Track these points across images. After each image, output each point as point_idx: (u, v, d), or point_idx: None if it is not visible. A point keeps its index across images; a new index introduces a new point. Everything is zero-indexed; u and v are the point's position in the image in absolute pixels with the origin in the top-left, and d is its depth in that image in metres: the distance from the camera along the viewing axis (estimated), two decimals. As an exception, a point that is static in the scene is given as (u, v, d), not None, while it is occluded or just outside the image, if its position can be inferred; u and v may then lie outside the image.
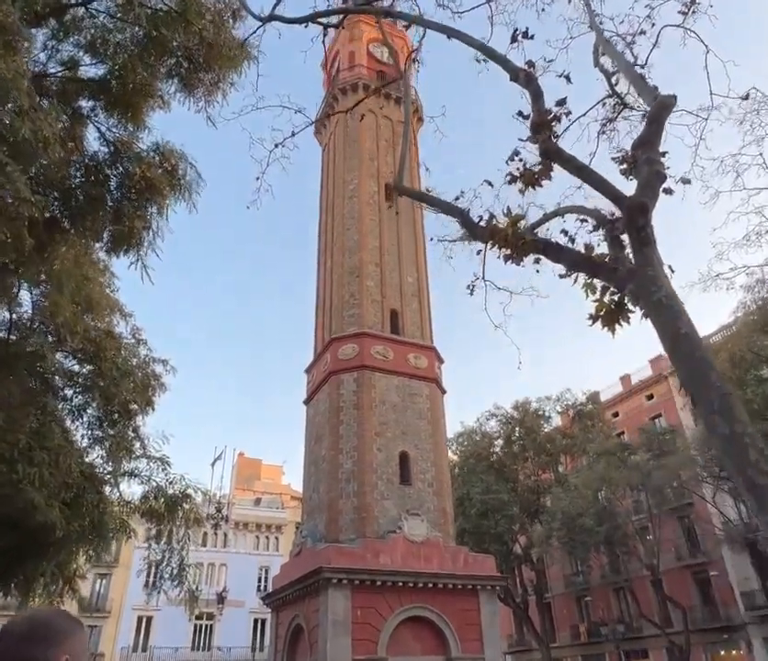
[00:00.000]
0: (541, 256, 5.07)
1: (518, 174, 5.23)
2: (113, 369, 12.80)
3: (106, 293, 14.71)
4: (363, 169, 27.49)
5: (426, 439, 22.04)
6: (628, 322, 5.28)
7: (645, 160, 4.62)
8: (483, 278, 11.95)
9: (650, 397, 45.14)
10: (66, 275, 10.51)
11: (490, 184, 5.29)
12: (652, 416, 42.30)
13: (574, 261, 4.69)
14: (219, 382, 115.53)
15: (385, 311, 24.30)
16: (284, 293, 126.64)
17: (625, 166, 5.34)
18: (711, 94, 7.19)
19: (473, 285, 11.66)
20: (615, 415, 45.36)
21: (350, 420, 21.25)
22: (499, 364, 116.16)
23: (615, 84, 8.89)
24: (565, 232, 5.07)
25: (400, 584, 18.12)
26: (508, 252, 4.94)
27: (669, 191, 4.99)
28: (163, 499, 16.12)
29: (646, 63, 7.66)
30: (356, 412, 21.28)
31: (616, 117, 9.79)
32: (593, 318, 5.40)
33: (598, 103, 9.51)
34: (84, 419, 14.17)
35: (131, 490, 16.18)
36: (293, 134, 10.42)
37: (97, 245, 11.11)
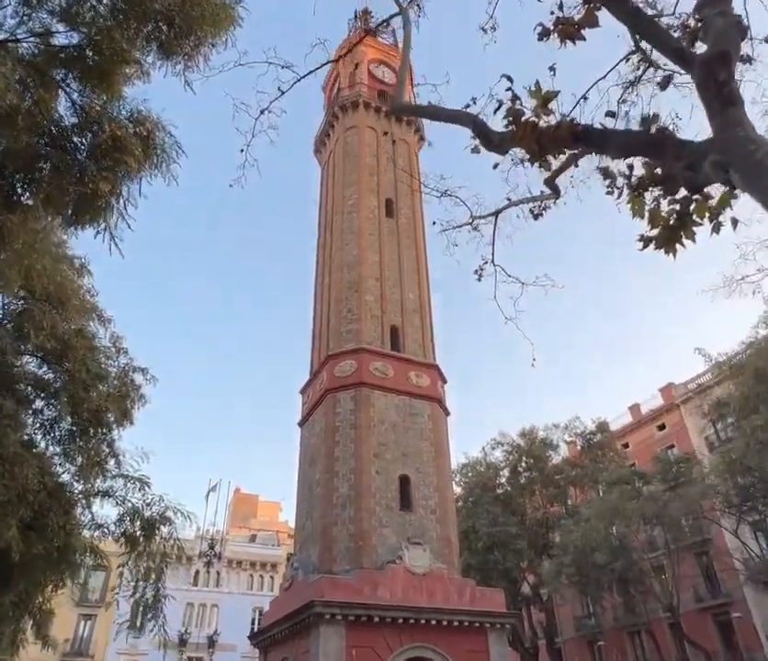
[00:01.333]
0: (579, 151, 3.85)
1: (552, 27, 4.03)
2: (82, 371, 11.52)
3: (79, 292, 13.58)
4: (363, 183, 26.69)
5: (429, 462, 20.51)
6: (693, 240, 4.04)
7: (717, 13, 3.46)
8: (493, 261, 10.75)
9: (662, 427, 43.41)
10: (26, 255, 9.37)
11: (509, 79, 4.10)
12: (664, 447, 40.52)
13: (627, 144, 3.49)
14: (219, 413, 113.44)
15: (385, 327, 23.09)
16: (297, 328, 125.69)
17: (686, 39, 4.17)
18: None
19: (482, 269, 10.47)
20: (626, 446, 43.53)
21: (346, 440, 19.79)
22: (502, 391, 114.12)
23: (639, 41, 7.85)
24: (612, 114, 3.87)
25: (401, 620, 16.38)
26: (535, 147, 3.72)
27: (748, 59, 3.82)
28: (138, 522, 14.65)
29: None
30: (354, 432, 19.83)
31: (641, 76, 8.73)
32: (645, 240, 4.17)
33: (620, 62, 8.48)
34: (52, 428, 12.88)
35: (104, 512, 14.72)
36: (281, 93, 9.37)
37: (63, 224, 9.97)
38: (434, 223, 10.60)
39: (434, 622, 16.80)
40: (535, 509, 36.53)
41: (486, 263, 10.61)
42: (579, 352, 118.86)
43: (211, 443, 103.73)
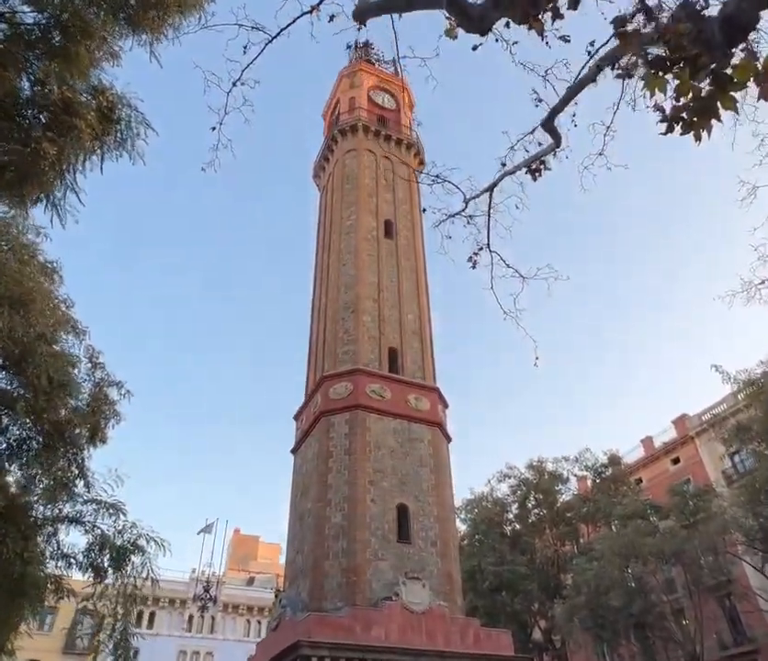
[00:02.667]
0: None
1: None
2: (42, 378, 10.47)
3: (49, 297, 12.67)
4: (361, 205, 26.09)
5: (429, 490, 19.12)
6: (734, 109, 3.03)
7: None
8: (488, 246, 9.76)
9: (676, 461, 41.54)
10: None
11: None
12: (680, 482, 38.63)
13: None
14: (218, 451, 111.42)
15: (383, 349, 22.03)
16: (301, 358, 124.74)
17: None
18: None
19: (476, 255, 9.45)
20: (639, 481, 41.59)
21: (340, 466, 18.50)
22: (507, 420, 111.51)
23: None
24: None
25: (397, 664, 14.80)
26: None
27: None
28: (108, 552, 13.36)
29: None
30: (348, 458, 18.56)
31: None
32: (671, 119, 3.17)
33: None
34: (10, 442, 11.77)
35: (72, 540, 13.44)
36: (254, 58, 8.56)
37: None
38: (423, 210, 9.68)
39: (434, 667, 15.19)
40: (545, 546, 34.52)
41: (481, 248, 9.64)
42: (587, 383, 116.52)
43: (209, 483, 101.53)
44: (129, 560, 13.38)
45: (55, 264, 12.50)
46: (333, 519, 17.53)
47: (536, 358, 9.49)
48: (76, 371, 13.78)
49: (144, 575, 13.70)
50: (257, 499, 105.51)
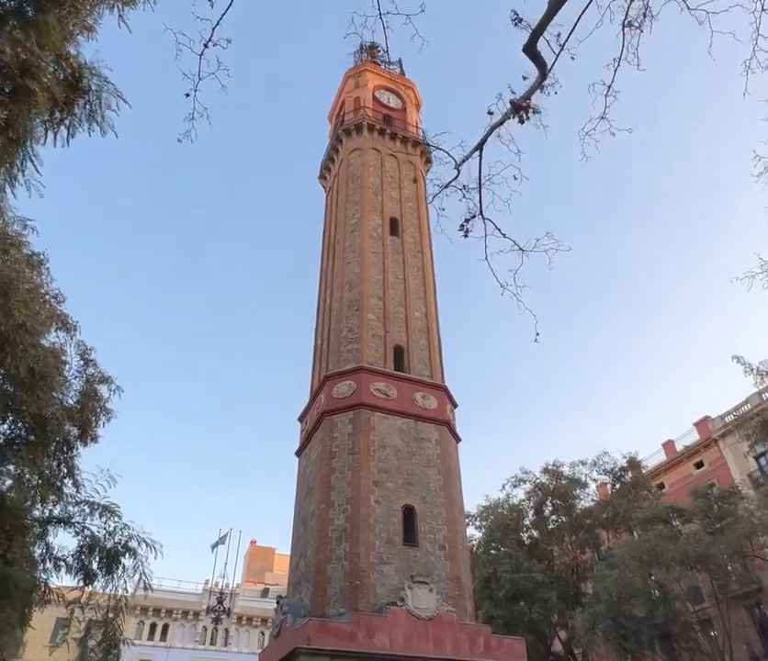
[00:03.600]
0: None
1: None
2: (21, 368, 10.05)
3: (37, 290, 12.31)
4: (366, 203, 25.63)
5: (436, 492, 18.35)
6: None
7: None
8: (481, 213, 9.12)
9: (700, 464, 40.02)
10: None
11: None
12: (703, 485, 37.11)
13: None
14: (232, 461, 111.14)
15: (388, 347, 21.40)
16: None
17: None
18: None
19: (467, 223, 8.84)
20: (661, 486, 40.15)
21: (344, 467, 17.85)
22: (518, 425, 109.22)
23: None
24: None
25: (402, 673, 14.01)
26: None
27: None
28: (97, 554, 12.86)
29: None
30: (351, 458, 17.90)
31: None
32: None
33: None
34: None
35: (61, 542, 12.97)
36: (223, 14, 8.06)
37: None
38: (414, 180, 9.11)
39: (442, 676, 14.37)
40: (563, 553, 33.28)
41: (474, 216, 9.04)
42: (603, 385, 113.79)
43: (224, 494, 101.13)
44: (120, 563, 12.87)
45: (42, 256, 12.18)
46: (336, 521, 16.86)
47: (537, 334, 8.84)
48: (67, 367, 13.43)
49: (136, 578, 13.19)
50: (272, 510, 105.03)
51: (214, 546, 49.76)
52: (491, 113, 6.50)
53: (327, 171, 31.00)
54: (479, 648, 15.31)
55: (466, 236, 8.57)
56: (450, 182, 8.85)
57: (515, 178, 8.88)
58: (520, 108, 5.67)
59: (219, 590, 47.98)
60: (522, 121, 5.91)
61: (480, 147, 7.70)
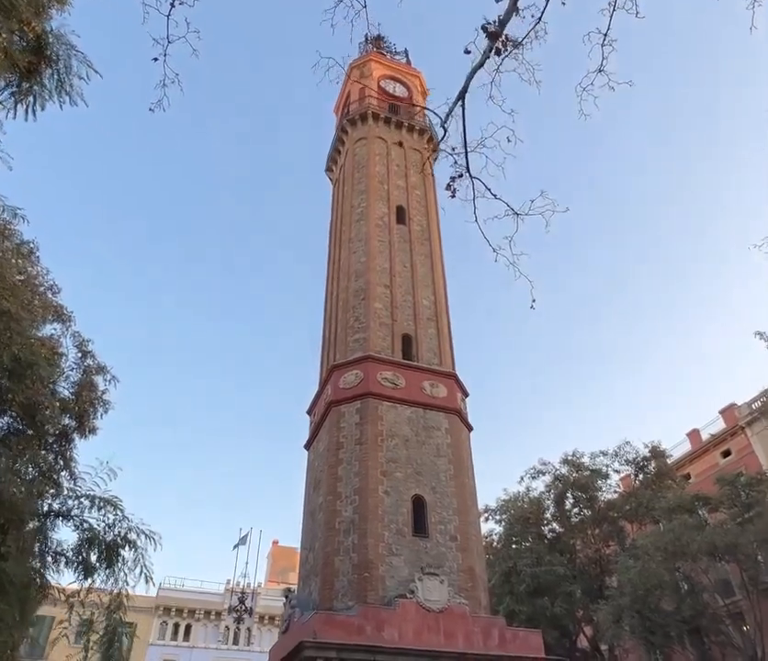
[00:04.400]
0: None
1: None
2: (5, 355, 9.83)
3: (32, 282, 12.16)
4: (372, 191, 25.21)
5: (447, 481, 17.81)
6: None
7: None
8: (468, 170, 8.64)
9: (727, 453, 38.65)
10: None
11: None
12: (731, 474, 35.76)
13: None
14: (251, 461, 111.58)
15: (396, 336, 20.93)
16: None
17: None
18: None
19: (453, 182, 8.37)
20: (687, 477, 38.87)
21: (351, 457, 17.43)
22: (538, 421, 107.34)
23: None
24: None
25: (412, 667, 13.51)
26: None
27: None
28: (97, 547, 12.64)
29: None
30: (359, 448, 17.47)
31: None
32: None
33: None
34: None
35: (61, 536, 12.80)
36: None
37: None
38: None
39: (454, 670, 13.84)
40: (585, 545, 32.34)
41: (461, 175, 8.58)
42: (622, 376, 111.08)
43: (245, 494, 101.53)
44: (119, 556, 12.65)
45: (32, 245, 12.04)
46: (344, 512, 16.45)
47: (533, 300, 8.33)
48: (64, 359, 13.27)
49: (138, 571, 12.96)
50: (294, 511, 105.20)
51: (235, 547, 49.83)
52: (468, 52, 5.99)
53: (333, 163, 30.69)
54: (493, 641, 14.74)
55: (453, 196, 8.07)
56: (439, 142, 8.36)
57: (509, 140, 8.33)
58: (494, 35, 5.15)
59: (240, 590, 48.02)
60: (498, 54, 5.40)
61: (461, 96, 7.21)
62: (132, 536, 12.63)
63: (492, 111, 7.99)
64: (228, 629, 48.59)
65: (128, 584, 12.49)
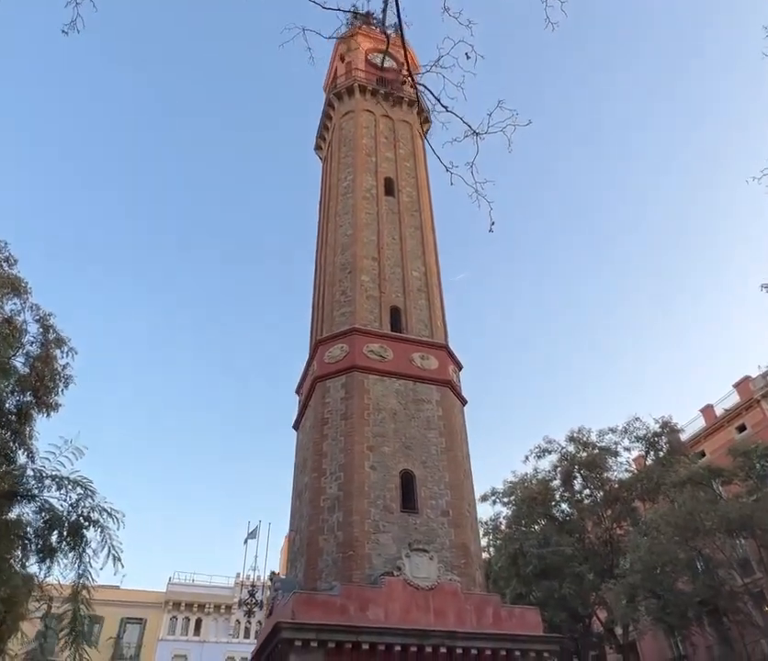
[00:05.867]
0: None
1: None
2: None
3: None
4: (358, 164, 24.36)
5: (438, 455, 16.95)
6: None
7: None
8: (410, 74, 7.95)
9: (742, 428, 37.25)
10: None
11: None
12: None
13: None
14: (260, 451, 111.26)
15: (384, 308, 20.09)
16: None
17: None
18: None
19: (403, 85, 7.52)
20: (702, 455, 37.54)
21: (336, 433, 16.64)
22: (543, 401, 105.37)
23: None
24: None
25: (399, 647, 12.68)
26: None
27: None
28: (58, 528, 11.95)
29: None
30: (344, 423, 16.67)
31: None
32: None
33: None
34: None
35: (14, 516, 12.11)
36: None
37: None
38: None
39: (443, 650, 12.98)
40: (595, 524, 31.27)
41: (404, 82, 7.86)
42: (629, 352, 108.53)
43: (256, 487, 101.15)
44: (83, 537, 11.97)
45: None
46: (329, 490, 15.66)
47: (492, 223, 7.53)
48: (27, 334, 12.63)
49: (105, 552, 12.26)
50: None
51: (246, 540, 49.38)
52: None
53: (322, 140, 29.88)
54: (487, 620, 13.86)
55: (400, 102, 7.22)
56: (385, 51, 7.61)
57: (468, 56, 7.49)
58: None
59: (250, 583, 47.56)
60: None
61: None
62: (96, 516, 11.96)
63: (449, 25, 7.14)
64: (239, 623, 48.23)
65: (92, 566, 11.79)
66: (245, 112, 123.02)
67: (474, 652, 13.15)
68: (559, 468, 31.90)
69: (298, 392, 21.42)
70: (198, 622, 49.00)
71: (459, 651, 13.05)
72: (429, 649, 12.86)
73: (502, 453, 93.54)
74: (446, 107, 7.26)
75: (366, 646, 12.44)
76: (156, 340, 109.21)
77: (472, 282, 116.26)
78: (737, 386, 38.08)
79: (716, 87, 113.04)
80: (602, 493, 32.02)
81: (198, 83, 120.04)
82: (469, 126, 7.66)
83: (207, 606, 49.23)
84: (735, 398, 38.09)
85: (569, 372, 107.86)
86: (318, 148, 30.46)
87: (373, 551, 14.54)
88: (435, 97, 7.24)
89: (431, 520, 15.62)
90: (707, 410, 40.20)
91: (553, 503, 32.80)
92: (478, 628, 13.54)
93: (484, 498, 33.96)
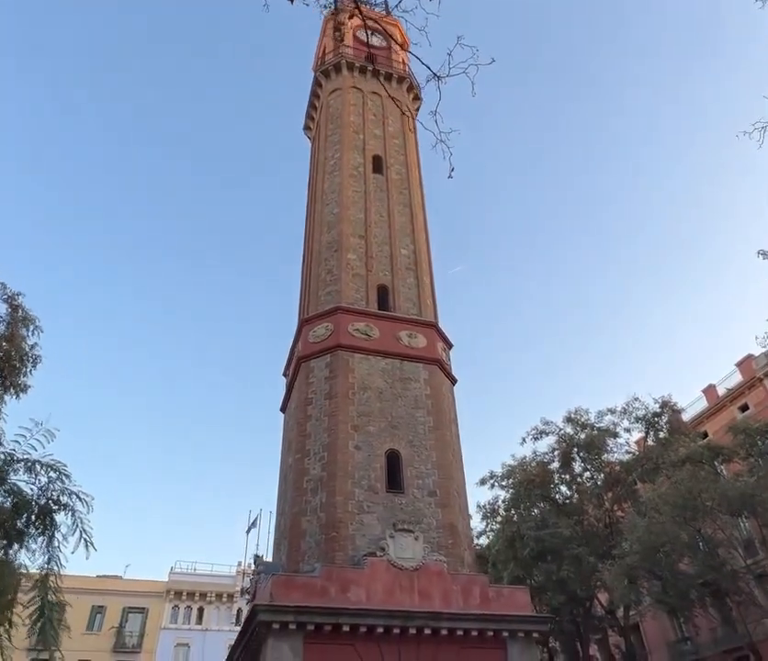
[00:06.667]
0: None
1: None
2: None
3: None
4: (345, 142, 23.78)
5: (425, 434, 16.51)
6: None
7: None
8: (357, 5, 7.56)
9: (745, 407, 36.68)
10: None
11: None
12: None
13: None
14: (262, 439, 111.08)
15: (371, 287, 19.60)
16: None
17: None
18: None
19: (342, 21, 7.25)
20: (704, 435, 36.96)
21: (320, 413, 16.23)
22: (541, 381, 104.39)
23: None
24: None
25: (381, 629, 12.30)
26: None
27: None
28: (26, 512, 11.60)
29: None
30: (328, 403, 16.25)
31: None
32: None
33: None
34: None
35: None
36: None
37: None
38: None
39: (428, 631, 12.59)
40: (595, 506, 30.84)
41: (351, 16, 7.55)
42: (630, 331, 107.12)
43: (259, 475, 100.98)
44: (53, 521, 11.62)
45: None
46: (312, 471, 15.27)
47: (452, 169, 7.11)
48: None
49: (77, 537, 11.90)
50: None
51: (248, 530, 49.30)
52: None
53: (311, 120, 29.26)
54: (474, 600, 13.46)
55: (342, 38, 6.75)
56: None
57: (429, -6, 6.99)
58: None
59: (252, 572, 47.38)
60: None
61: None
62: (65, 499, 11.59)
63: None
64: (241, 611, 48.16)
65: (61, 551, 11.43)
66: (235, 98, 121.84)
67: (460, 633, 12.77)
68: (557, 451, 31.37)
69: (285, 374, 21.01)
70: (201, 611, 49.04)
71: (444, 632, 12.66)
72: (413, 630, 12.47)
73: (505, 439, 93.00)
74: (400, 45, 6.78)
75: (346, 628, 12.07)
76: (159, 327, 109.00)
77: (472, 276, 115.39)
78: (739, 365, 37.51)
79: (722, 88, 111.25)
80: (602, 475, 31.55)
81: (194, 76, 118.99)
82: (429, 68, 7.18)
83: (209, 595, 49.24)
84: (737, 378, 37.52)
85: (568, 357, 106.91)
86: (307, 128, 29.87)
87: (357, 532, 14.16)
88: (374, 21, 6.74)
89: (417, 500, 15.22)
90: (710, 390, 39.68)
91: (552, 485, 32.34)
92: (464, 608, 13.15)
93: (483, 482, 33.57)
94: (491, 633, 13.01)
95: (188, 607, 48.62)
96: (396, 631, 12.37)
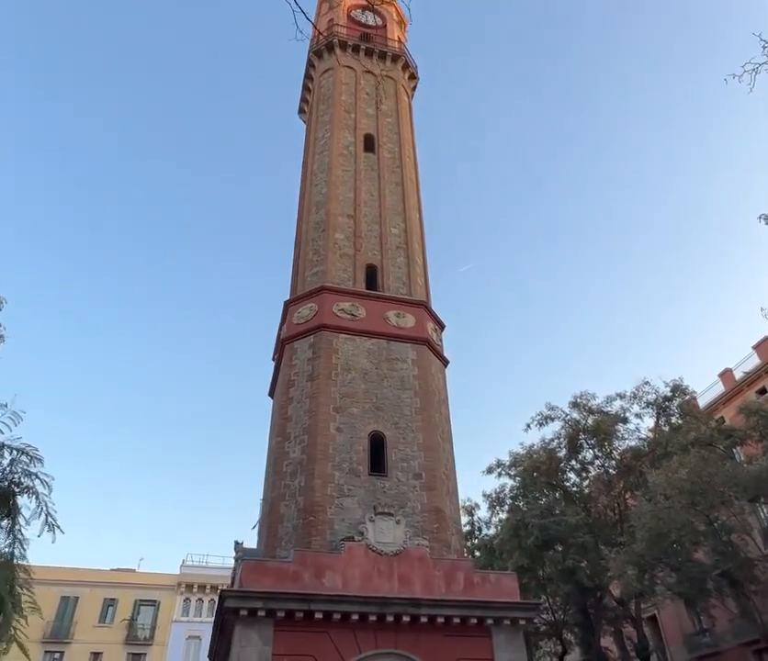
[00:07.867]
0: None
1: None
2: None
3: None
4: (336, 121, 23.20)
5: (412, 416, 15.88)
6: None
7: None
8: None
9: (762, 391, 35.21)
10: None
11: None
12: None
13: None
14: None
15: (359, 266, 19.01)
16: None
17: None
18: None
19: None
20: (722, 421, 35.61)
21: (302, 395, 15.70)
22: (547, 369, 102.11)
23: None
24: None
25: (356, 616, 11.73)
26: None
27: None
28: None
29: None
30: (309, 384, 15.72)
31: None
32: None
33: None
34: None
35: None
36: None
37: None
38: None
39: (407, 619, 11.99)
40: (600, 491, 29.89)
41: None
42: (642, 316, 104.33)
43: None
44: (15, 503, 11.30)
45: None
46: (292, 454, 14.76)
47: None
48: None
49: (42, 519, 11.59)
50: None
51: (254, 527, 49.26)
52: None
53: (305, 103, 28.73)
54: (457, 586, 12.81)
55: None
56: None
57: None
58: None
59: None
60: None
61: None
62: (27, 481, 11.27)
63: None
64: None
65: (23, 535, 11.11)
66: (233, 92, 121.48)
67: (441, 620, 12.14)
68: (563, 437, 30.42)
69: (273, 358, 20.56)
70: (212, 604, 49.18)
71: (424, 619, 12.05)
72: (390, 618, 11.89)
73: (516, 431, 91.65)
74: None
75: (319, 615, 11.53)
76: (168, 320, 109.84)
77: (481, 273, 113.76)
78: (756, 347, 36.06)
79: (727, 89, 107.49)
80: (613, 462, 30.55)
81: (192, 73, 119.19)
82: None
83: (220, 587, 49.26)
84: (755, 361, 36.06)
85: (578, 351, 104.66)
86: (301, 111, 29.35)
87: (336, 516, 13.61)
88: None
89: (401, 483, 14.61)
90: (726, 375, 38.27)
91: (560, 473, 31.44)
92: (446, 595, 12.52)
93: (490, 471, 32.85)
94: (474, 621, 12.35)
95: (200, 599, 48.84)
96: (372, 618, 11.80)
